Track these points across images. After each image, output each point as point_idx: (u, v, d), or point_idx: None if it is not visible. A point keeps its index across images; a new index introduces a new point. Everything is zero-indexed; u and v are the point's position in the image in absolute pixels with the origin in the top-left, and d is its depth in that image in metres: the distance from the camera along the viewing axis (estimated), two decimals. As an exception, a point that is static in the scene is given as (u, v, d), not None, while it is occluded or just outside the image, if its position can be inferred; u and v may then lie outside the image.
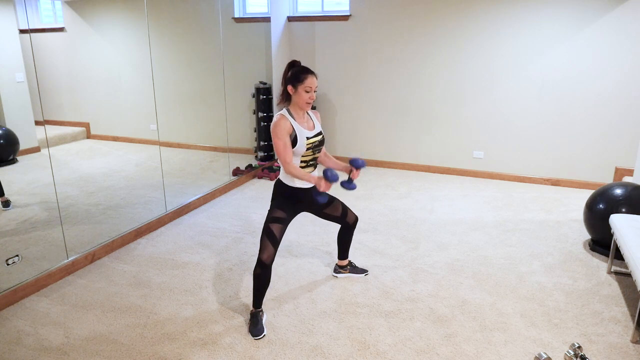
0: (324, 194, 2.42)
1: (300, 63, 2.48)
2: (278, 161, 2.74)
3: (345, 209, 2.82)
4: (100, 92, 3.89)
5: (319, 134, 2.55)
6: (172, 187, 4.21)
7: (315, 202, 2.65)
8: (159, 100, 3.97)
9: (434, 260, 3.30)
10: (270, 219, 2.50)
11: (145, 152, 4.15)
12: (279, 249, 3.45)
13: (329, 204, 2.75)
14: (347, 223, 2.87)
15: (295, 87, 2.41)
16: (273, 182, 5.11)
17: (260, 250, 2.45)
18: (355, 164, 2.51)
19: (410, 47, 5.16)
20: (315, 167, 2.62)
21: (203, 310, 2.71)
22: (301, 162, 2.52)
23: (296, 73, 2.41)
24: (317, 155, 2.58)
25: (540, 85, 4.74)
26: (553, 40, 4.59)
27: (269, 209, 2.57)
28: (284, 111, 2.46)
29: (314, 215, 4.05)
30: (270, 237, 2.46)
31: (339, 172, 2.46)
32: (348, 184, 2.50)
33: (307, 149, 2.48)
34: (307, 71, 2.41)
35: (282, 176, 2.57)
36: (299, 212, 2.66)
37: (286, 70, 2.47)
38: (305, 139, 2.45)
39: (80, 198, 3.70)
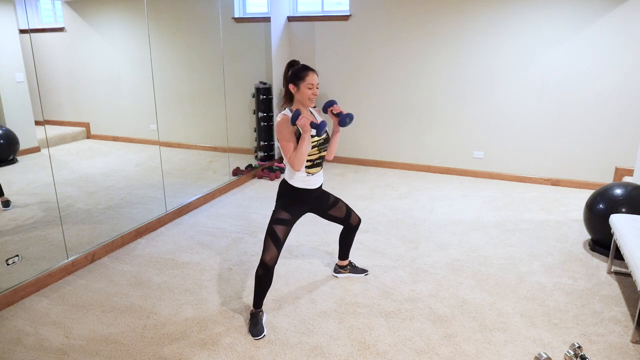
0: (319, 125, 2.37)
1: (299, 62, 2.48)
2: (283, 160, 2.74)
3: (349, 211, 2.82)
4: (100, 92, 3.89)
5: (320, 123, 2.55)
6: (172, 187, 4.21)
7: (320, 201, 2.65)
8: (159, 100, 3.97)
9: (434, 260, 3.30)
10: (274, 221, 2.50)
11: (145, 152, 4.14)
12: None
13: (333, 205, 2.75)
14: (350, 224, 2.86)
15: (297, 85, 2.42)
16: (273, 182, 5.11)
17: (263, 252, 2.45)
18: (328, 105, 2.52)
19: (410, 47, 5.16)
20: (321, 167, 2.60)
21: (203, 311, 2.71)
22: (307, 161, 2.50)
23: (297, 71, 2.42)
24: (323, 153, 2.56)
25: (540, 86, 4.74)
26: (553, 40, 4.59)
27: (273, 210, 2.57)
28: (287, 110, 2.47)
29: (313, 215, 4.05)
30: (274, 239, 2.45)
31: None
32: (343, 118, 2.47)
33: (313, 146, 2.47)
34: (307, 68, 2.42)
35: (287, 177, 2.56)
36: (303, 214, 2.65)
37: (286, 70, 2.48)
38: (310, 137, 2.45)
39: (80, 198, 3.70)
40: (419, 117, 5.33)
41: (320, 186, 2.65)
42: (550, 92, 4.72)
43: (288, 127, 2.39)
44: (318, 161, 2.55)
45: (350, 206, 4.30)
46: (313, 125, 2.39)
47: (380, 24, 5.22)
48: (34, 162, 3.23)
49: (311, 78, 2.41)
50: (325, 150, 2.58)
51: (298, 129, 2.42)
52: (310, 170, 2.53)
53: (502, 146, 5.05)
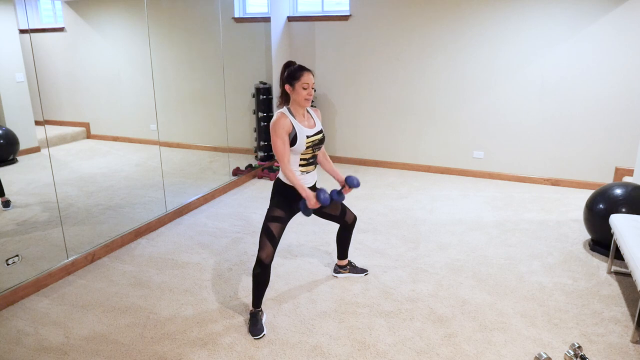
0: (309, 210, 2.45)
1: (295, 63, 2.49)
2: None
3: (344, 209, 2.82)
4: (100, 92, 3.89)
5: (319, 132, 2.56)
6: (172, 187, 4.21)
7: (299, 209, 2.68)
8: (159, 100, 3.97)
9: (434, 260, 3.30)
10: (269, 218, 2.51)
11: (145, 152, 4.15)
12: (279, 248, 3.46)
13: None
14: (345, 222, 2.87)
15: (292, 85, 2.43)
16: (273, 182, 5.11)
17: (259, 249, 2.46)
18: (350, 183, 2.55)
19: (410, 47, 5.16)
20: (315, 166, 2.62)
21: (203, 310, 2.71)
22: (301, 159, 2.52)
23: (292, 71, 2.43)
24: (317, 153, 2.59)
25: (540, 85, 4.74)
26: (553, 40, 4.59)
27: (268, 207, 2.57)
28: (284, 109, 2.47)
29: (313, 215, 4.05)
30: (269, 236, 2.46)
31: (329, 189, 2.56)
32: (337, 196, 2.53)
33: (307, 147, 2.48)
34: (302, 68, 2.43)
35: (282, 175, 2.57)
36: (298, 211, 2.66)
37: (282, 71, 2.49)
38: (305, 137, 2.46)
39: (80, 198, 3.70)
40: (419, 117, 5.33)
41: (314, 184, 2.66)
42: (550, 92, 4.72)
43: (284, 127, 2.40)
44: (312, 160, 2.57)
45: (350, 206, 4.30)
46: (333, 196, 2.46)
47: (380, 24, 5.22)
48: (34, 162, 3.23)
49: (306, 78, 2.41)
50: (319, 150, 2.61)
51: (294, 130, 2.43)
52: (305, 169, 2.55)
53: (502, 146, 5.05)
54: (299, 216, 4.07)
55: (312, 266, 3.22)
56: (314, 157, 2.58)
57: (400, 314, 2.66)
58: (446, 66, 5.05)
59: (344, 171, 5.48)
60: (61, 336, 2.48)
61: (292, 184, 2.45)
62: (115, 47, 3.88)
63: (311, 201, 2.40)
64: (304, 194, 2.42)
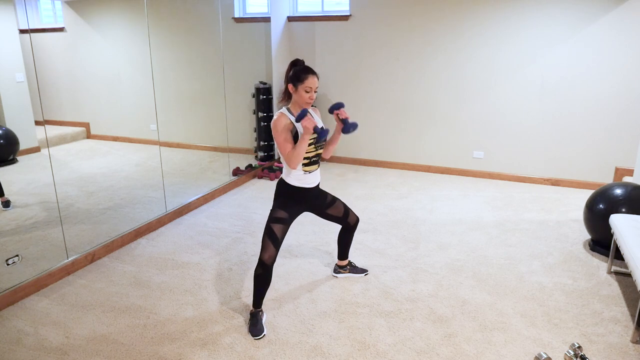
0: (352, 124, 2.35)
1: (303, 62, 2.47)
2: (280, 159, 2.75)
3: (347, 210, 2.82)
4: (100, 92, 3.89)
5: (321, 129, 2.55)
6: (172, 187, 4.21)
7: (317, 199, 2.65)
8: (158, 100, 3.97)
9: (434, 260, 3.30)
10: (272, 219, 2.50)
11: (145, 152, 4.15)
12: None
13: (331, 204, 2.75)
14: (348, 224, 2.87)
15: (295, 86, 2.41)
16: (273, 182, 5.11)
17: (261, 250, 2.45)
18: (335, 107, 2.49)
19: (410, 47, 5.16)
20: (318, 165, 2.61)
21: (203, 310, 2.71)
22: (304, 158, 2.51)
23: (297, 72, 2.41)
24: (319, 151, 2.57)
25: (540, 85, 4.74)
26: (553, 40, 4.59)
27: (271, 208, 2.57)
28: (284, 109, 2.47)
29: (314, 215, 4.05)
30: (272, 238, 2.46)
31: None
32: (347, 127, 2.45)
33: (309, 144, 2.47)
34: (308, 71, 2.41)
35: (285, 175, 2.56)
36: (301, 212, 2.65)
37: (288, 69, 2.48)
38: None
39: (80, 198, 3.70)
40: (419, 117, 5.33)
41: (318, 185, 2.65)
42: (550, 92, 4.72)
43: (285, 125, 2.39)
44: (315, 159, 2.56)
45: (350, 206, 4.30)
46: (316, 129, 2.39)
47: (380, 24, 5.22)
48: (34, 162, 3.23)
49: (310, 81, 2.39)
50: (322, 147, 2.58)
51: (295, 128, 2.42)
52: (307, 168, 2.53)
53: (502, 146, 5.05)
54: (300, 216, 4.06)
55: (312, 266, 3.22)
56: (317, 155, 2.57)
57: (400, 314, 2.66)
58: (446, 66, 5.05)
59: (344, 171, 5.48)
60: (61, 336, 2.48)
61: (301, 149, 2.34)
62: (115, 47, 3.88)
63: (307, 121, 2.28)
64: (310, 128, 2.31)
